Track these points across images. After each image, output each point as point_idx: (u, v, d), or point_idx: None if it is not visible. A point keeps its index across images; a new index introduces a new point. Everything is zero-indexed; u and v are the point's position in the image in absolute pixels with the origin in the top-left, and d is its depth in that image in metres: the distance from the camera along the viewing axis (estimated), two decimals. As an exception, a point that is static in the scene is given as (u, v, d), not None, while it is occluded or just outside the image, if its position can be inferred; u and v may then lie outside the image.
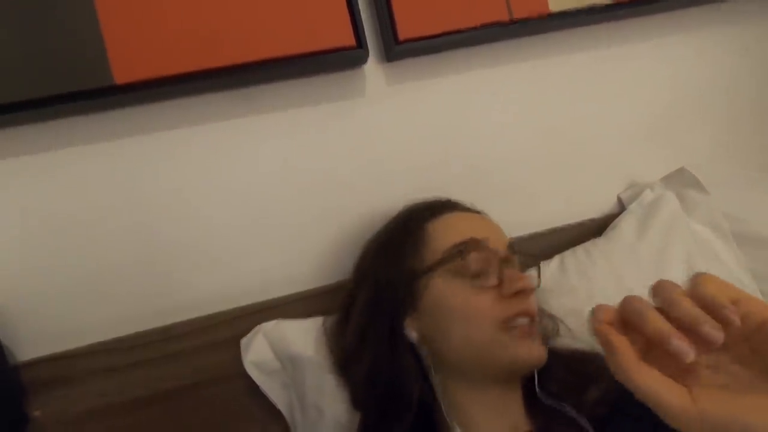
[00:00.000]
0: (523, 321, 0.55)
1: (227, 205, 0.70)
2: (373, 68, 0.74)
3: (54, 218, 0.66)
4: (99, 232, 0.67)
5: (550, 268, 0.72)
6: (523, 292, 0.55)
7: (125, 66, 0.64)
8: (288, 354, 0.65)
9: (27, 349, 0.66)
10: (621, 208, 0.81)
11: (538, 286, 0.59)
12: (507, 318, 0.55)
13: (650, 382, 0.30)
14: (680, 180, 0.78)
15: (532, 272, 0.61)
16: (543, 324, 0.62)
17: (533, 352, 0.54)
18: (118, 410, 0.65)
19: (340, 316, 0.64)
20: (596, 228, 0.79)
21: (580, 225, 0.79)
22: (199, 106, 0.69)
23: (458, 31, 0.72)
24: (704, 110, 0.83)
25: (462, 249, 0.57)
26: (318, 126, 0.73)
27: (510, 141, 0.78)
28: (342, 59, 0.70)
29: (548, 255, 0.76)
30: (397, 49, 0.71)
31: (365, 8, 0.72)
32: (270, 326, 0.67)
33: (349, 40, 0.68)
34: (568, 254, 0.74)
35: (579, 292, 0.67)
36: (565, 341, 0.63)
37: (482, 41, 0.75)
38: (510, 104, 0.78)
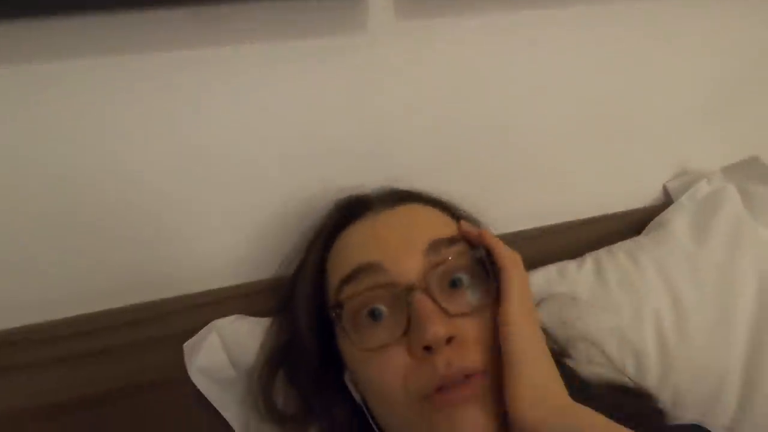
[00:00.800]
0: (444, 371, 0.38)
1: (180, 166, 0.54)
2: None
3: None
4: (21, 189, 0.51)
5: (583, 272, 0.58)
6: (439, 347, 0.38)
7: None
8: (246, 360, 0.52)
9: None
10: (666, 199, 0.68)
11: (489, 303, 0.42)
12: (418, 388, 0.39)
13: None
14: (747, 171, 0.64)
15: (467, 292, 0.42)
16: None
17: (463, 427, 0.37)
18: (32, 415, 0.52)
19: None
20: (636, 222, 0.66)
21: (616, 217, 0.66)
22: (146, 25, 0.51)
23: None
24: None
25: (339, 297, 0.43)
26: (304, 66, 0.56)
27: (542, 106, 0.63)
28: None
29: (578, 252, 0.62)
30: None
31: None
32: (226, 323, 0.53)
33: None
34: (604, 256, 0.60)
35: (623, 310, 0.53)
36: (599, 370, 0.50)
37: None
38: (547, 61, 0.62)
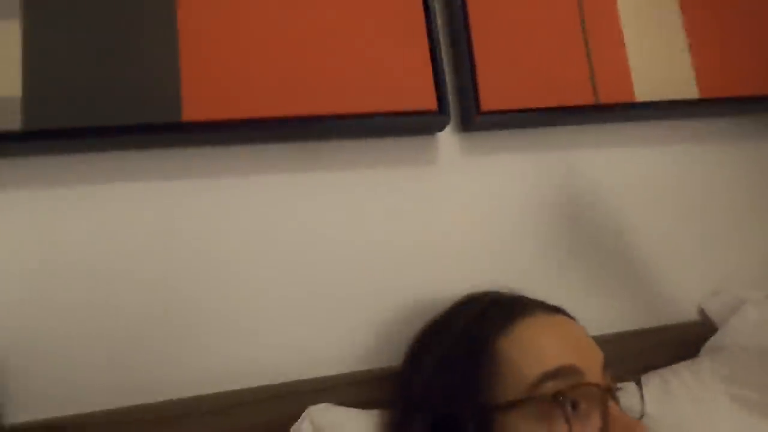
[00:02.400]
0: None
1: (273, 268, 0.62)
2: (448, 136, 0.69)
3: (72, 262, 0.57)
4: (119, 284, 0.58)
5: (650, 388, 0.61)
6: None
7: (197, 105, 0.58)
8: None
9: (20, 410, 0.55)
10: (702, 317, 0.73)
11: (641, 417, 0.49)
12: None
13: None
14: None
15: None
16: None
17: None
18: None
19: None
20: (671, 339, 0.70)
21: (651, 332, 0.70)
22: (263, 154, 0.63)
23: (541, 109, 0.68)
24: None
25: (559, 388, 0.45)
26: (385, 191, 0.67)
27: (587, 228, 0.72)
28: (421, 123, 0.66)
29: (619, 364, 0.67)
30: (478, 119, 0.67)
31: (447, 74, 0.69)
32: (319, 411, 0.55)
33: (431, 104, 0.64)
34: (669, 374, 0.63)
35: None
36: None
37: (565, 122, 0.71)
38: (582, 191, 0.73)
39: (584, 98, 0.70)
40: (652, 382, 0.63)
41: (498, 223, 0.70)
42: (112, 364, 0.58)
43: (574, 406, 0.45)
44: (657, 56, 0.73)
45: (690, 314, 0.73)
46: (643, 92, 0.72)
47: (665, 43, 0.74)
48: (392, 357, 0.62)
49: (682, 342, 0.70)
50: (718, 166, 0.77)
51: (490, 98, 0.67)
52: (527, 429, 0.46)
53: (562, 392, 0.45)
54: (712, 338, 0.68)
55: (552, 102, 0.69)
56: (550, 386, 0.46)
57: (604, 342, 0.60)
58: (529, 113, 0.68)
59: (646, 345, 0.69)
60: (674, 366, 0.66)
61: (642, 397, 0.51)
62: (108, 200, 0.59)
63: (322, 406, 0.56)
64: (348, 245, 0.65)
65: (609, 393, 0.47)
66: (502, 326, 0.50)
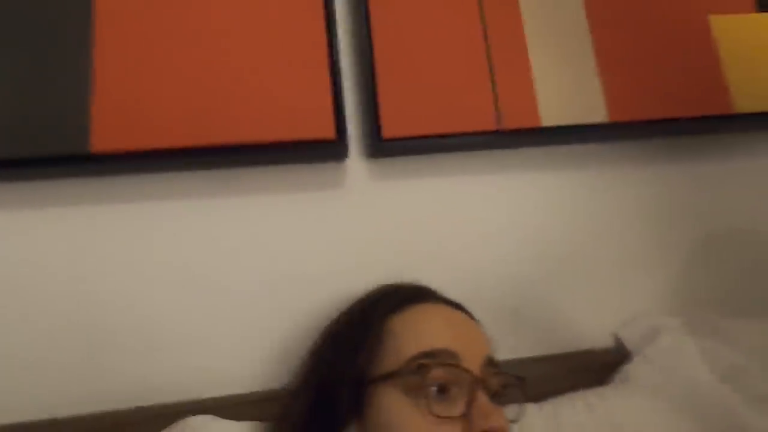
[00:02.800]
0: None
1: (181, 290, 0.66)
2: (356, 162, 0.73)
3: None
4: (37, 301, 0.63)
5: (542, 415, 0.62)
6: None
7: (105, 135, 0.64)
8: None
9: None
10: (617, 344, 0.72)
11: (515, 421, 0.51)
12: None
13: None
14: (701, 325, 0.68)
15: (512, 406, 0.51)
16: None
17: None
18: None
19: (278, 418, 0.56)
20: (583, 364, 0.70)
21: (561, 357, 0.70)
22: (172, 182, 0.68)
23: (445, 135, 0.71)
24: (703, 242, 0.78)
25: (424, 363, 0.48)
26: (292, 215, 0.70)
27: (498, 253, 0.74)
28: (321, 151, 0.69)
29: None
30: (381, 146, 0.70)
31: (352, 102, 0.72)
32: (198, 422, 0.58)
33: (329, 133, 0.68)
34: (565, 402, 0.64)
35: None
36: None
37: (470, 148, 0.74)
38: (498, 215, 0.74)
39: (487, 124, 0.72)
40: (558, 405, 0.64)
41: (404, 247, 0.72)
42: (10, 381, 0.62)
43: (443, 389, 0.47)
44: (565, 81, 0.75)
45: (605, 341, 0.72)
46: (550, 117, 0.74)
47: (574, 67, 0.76)
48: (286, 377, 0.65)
49: (594, 368, 0.70)
50: (629, 189, 0.77)
51: (392, 125, 0.70)
52: (394, 401, 0.48)
53: (426, 366, 0.48)
54: (625, 367, 0.68)
55: (455, 128, 0.71)
56: (421, 362, 0.48)
57: (511, 366, 0.61)
58: (433, 139, 0.71)
59: (556, 371, 0.69)
60: (580, 392, 0.66)
61: (523, 400, 0.52)
62: (23, 227, 0.65)
63: (200, 417, 0.59)
64: (254, 269, 0.68)
65: (481, 383, 0.48)
66: (395, 307, 0.54)
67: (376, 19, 0.73)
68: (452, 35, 0.74)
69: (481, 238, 0.73)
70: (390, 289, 0.58)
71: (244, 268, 0.68)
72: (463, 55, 0.73)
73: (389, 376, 0.49)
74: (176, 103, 0.66)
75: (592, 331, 0.73)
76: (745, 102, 0.77)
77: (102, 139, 0.63)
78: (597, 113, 0.75)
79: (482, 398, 0.48)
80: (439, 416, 0.46)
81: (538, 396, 0.66)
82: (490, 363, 0.51)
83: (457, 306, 0.57)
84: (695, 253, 0.77)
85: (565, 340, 0.72)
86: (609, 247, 0.75)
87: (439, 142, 0.71)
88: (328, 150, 0.69)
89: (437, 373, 0.48)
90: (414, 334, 0.51)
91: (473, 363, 0.49)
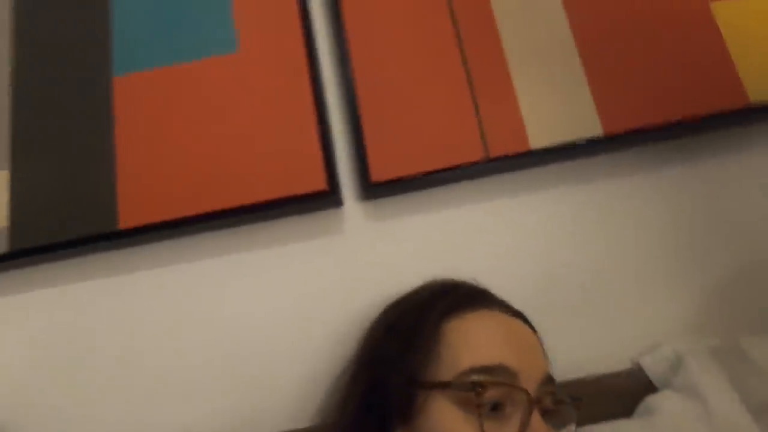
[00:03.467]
0: None
1: (207, 340, 0.74)
2: (352, 207, 0.77)
3: (50, 353, 0.74)
4: (84, 369, 0.73)
5: None
6: None
7: (131, 212, 0.73)
8: None
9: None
10: (637, 369, 0.69)
11: None
12: None
13: None
14: (728, 356, 0.63)
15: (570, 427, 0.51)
16: None
17: None
18: None
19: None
20: (606, 387, 0.67)
21: (585, 382, 0.68)
22: (190, 245, 0.76)
23: (433, 172, 0.73)
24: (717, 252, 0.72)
25: (480, 381, 0.46)
26: (299, 263, 0.75)
27: (503, 281, 0.73)
28: (317, 202, 0.74)
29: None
30: (372, 190, 0.74)
31: (343, 149, 0.77)
32: None
33: (322, 185, 0.72)
34: None
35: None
36: None
37: (459, 179, 0.75)
38: (500, 242, 0.74)
39: (475, 155, 0.73)
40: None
41: (408, 283, 0.74)
42: None
43: (497, 406, 0.46)
44: (554, 99, 0.74)
45: (624, 367, 0.69)
46: (539, 138, 0.73)
47: (561, 82, 0.74)
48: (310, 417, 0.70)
49: (613, 395, 0.67)
50: (639, 199, 0.74)
51: (381, 169, 0.73)
52: (445, 412, 0.47)
53: (482, 384, 0.46)
54: (649, 398, 0.65)
55: (442, 163, 0.73)
56: (476, 378, 0.47)
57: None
58: (422, 177, 0.73)
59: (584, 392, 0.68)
60: (604, 424, 0.63)
61: (575, 421, 0.51)
62: (67, 301, 0.76)
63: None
64: (269, 314, 0.74)
65: (537, 404, 0.47)
66: (454, 310, 0.52)
67: (359, 66, 0.76)
68: (432, 70, 0.76)
69: (485, 267, 0.73)
70: (447, 287, 0.57)
71: (259, 316, 0.74)
72: (444, 87, 0.75)
73: (442, 386, 0.48)
74: (186, 177, 0.74)
75: (609, 358, 0.69)
76: (760, 91, 0.71)
77: (128, 217, 0.73)
78: (591, 127, 0.73)
79: (537, 421, 0.46)
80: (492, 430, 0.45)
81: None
82: (548, 381, 0.50)
83: (516, 313, 0.55)
84: (722, 267, 0.71)
85: (581, 369, 0.70)
86: (623, 266, 0.72)
87: (428, 179, 0.73)
88: (323, 200, 0.73)
89: (492, 392, 0.46)
90: (470, 345, 0.49)
91: (531, 381, 0.48)
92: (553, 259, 0.73)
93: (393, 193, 0.75)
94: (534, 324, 0.58)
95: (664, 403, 0.62)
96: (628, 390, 0.66)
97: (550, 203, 0.75)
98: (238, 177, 0.73)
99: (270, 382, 0.71)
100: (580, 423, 0.63)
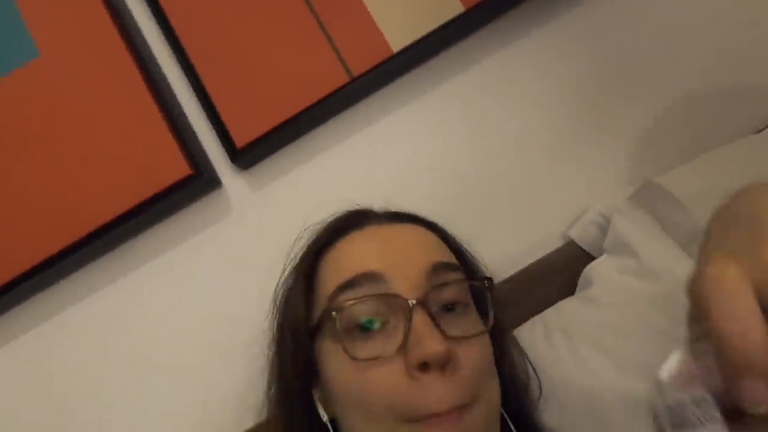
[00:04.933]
0: (440, 408, 0.37)
1: (129, 372, 0.68)
2: (232, 183, 0.69)
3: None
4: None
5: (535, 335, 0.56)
6: (437, 365, 0.37)
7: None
8: None
9: None
10: (570, 243, 0.65)
11: (486, 331, 0.42)
12: (408, 408, 0.37)
13: None
14: (647, 198, 0.58)
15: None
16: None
17: None
18: None
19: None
20: (546, 275, 0.63)
21: (525, 271, 0.64)
22: (76, 284, 0.68)
23: (301, 113, 0.65)
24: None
25: (340, 303, 0.40)
26: (198, 258, 0.68)
27: (407, 202, 0.68)
28: (192, 189, 0.66)
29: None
30: (243, 157, 0.66)
31: (207, 128, 0.68)
32: None
33: (186, 170, 0.64)
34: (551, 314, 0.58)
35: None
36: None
37: (326, 118, 0.68)
38: (388, 167, 0.68)
39: (338, 80, 0.65)
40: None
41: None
42: None
43: (378, 324, 0.40)
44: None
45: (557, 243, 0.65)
46: (399, 39, 0.65)
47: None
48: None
49: (555, 276, 0.63)
50: (517, 69, 0.68)
51: (243, 131, 0.65)
52: (329, 355, 0.42)
53: (339, 306, 0.40)
54: (586, 269, 0.60)
55: (308, 101, 0.65)
56: (345, 298, 0.41)
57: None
58: (288, 126, 0.65)
59: (519, 289, 0.64)
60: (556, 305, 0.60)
61: (489, 308, 0.43)
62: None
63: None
64: (181, 323, 0.67)
65: (419, 305, 0.39)
66: (328, 243, 0.47)
67: (185, 35, 0.67)
68: (266, 13, 0.67)
69: (383, 194, 0.68)
70: (330, 223, 0.50)
71: (173, 329, 0.67)
72: (285, 27, 0.67)
73: (317, 328, 0.43)
74: (31, 213, 0.64)
75: (543, 242, 0.65)
76: None
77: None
78: (450, 7, 0.65)
79: (420, 324, 0.39)
80: (358, 359, 0.39)
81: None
82: (441, 270, 0.42)
83: (403, 218, 0.48)
84: (628, 117, 0.66)
85: (518, 263, 0.66)
86: (529, 144, 0.67)
87: (297, 126, 0.66)
88: (197, 185, 0.65)
89: (358, 309, 0.40)
90: (335, 269, 0.43)
91: (408, 279, 0.41)
92: (456, 161, 0.68)
93: (268, 153, 0.68)
94: (455, 232, 0.52)
95: (599, 270, 0.58)
96: (567, 267, 0.62)
97: (432, 107, 0.68)
98: (94, 194, 0.65)
99: (207, 392, 0.65)
100: (529, 314, 0.61)
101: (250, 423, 0.59)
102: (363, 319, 0.40)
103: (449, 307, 0.42)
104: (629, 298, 0.54)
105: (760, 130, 0.61)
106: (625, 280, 0.55)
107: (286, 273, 0.52)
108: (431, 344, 0.37)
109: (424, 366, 0.38)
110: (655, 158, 0.66)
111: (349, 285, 0.41)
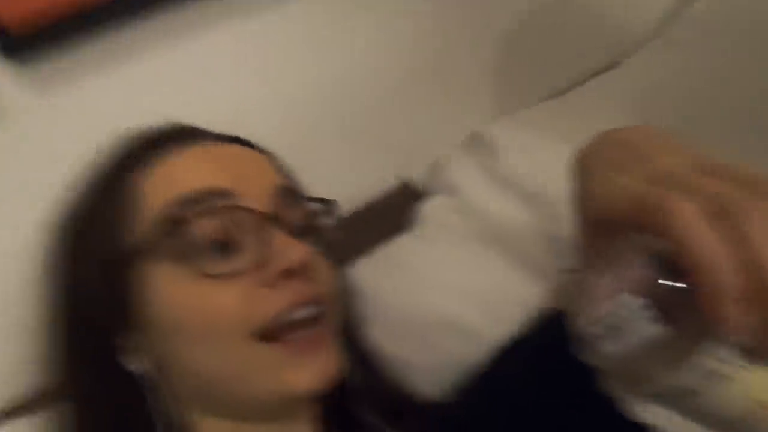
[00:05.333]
0: (299, 314, 0.36)
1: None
2: (4, 79, 0.52)
3: None
4: None
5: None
6: (298, 272, 0.36)
7: None
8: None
9: None
10: (406, 185, 0.66)
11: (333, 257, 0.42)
12: (267, 319, 0.36)
13: None
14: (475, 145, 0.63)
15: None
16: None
17: (313, 374, 0.36)
18: None
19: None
20: (381, 215, 0.64)
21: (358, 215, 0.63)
22: None
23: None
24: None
25: (181, 213, 0.36)
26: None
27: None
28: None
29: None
30: (20, 47, 0.50)
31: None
32: None
33: None
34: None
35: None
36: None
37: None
38: (212, 83, 0.58)
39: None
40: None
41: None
42: None
43: (223, 242, 0.37)
44: None
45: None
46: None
47: None
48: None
49: (390, 215, 0.64)
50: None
51: (17, 12, 0.49)
52: (162, 279, 0.37)
53: (182, 218, 0.36)
54: (416, 208, 0.63)
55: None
56: (190, 213, 0.37)
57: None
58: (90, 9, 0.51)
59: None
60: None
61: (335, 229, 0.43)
62: None
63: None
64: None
65: (273, 220, 0.38)
66: (142, 160, 0.40)
67: None
68: None
69: (214, 115, 0.59)
70: (138, 138, 0.43)
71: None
72: None
73: (143, 247, 0.37)
74: None
75: (382, 181, 0.65)
76: None
77: None
78: None
79: (279, 235, 0.37)
80: (212, 275, 0.36)
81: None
82: (286, 193, 0.41)
83: (235, 140, 0.44)
84: (467, 56, 0.68)
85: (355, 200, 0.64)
86: (370, 85, 0.64)
87: (103, 11, 0.52)
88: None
89: (203, 224, 0.36)
90: (166, 183, 0.39)
91: (260, 198, 0.39)
92: (293, 89, 0.61)
93: (58, 46, 0.53)
94: (292, 166, 0.47)
95: (426, 208, 0.62)
96: (402, 207, 0.64)
97: (275, 24, 0.60)
98: None
99: None
100: (362, 252, 0.60)
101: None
102: (214, 234, 0.36)
103: (299, 233, 0.40)
104: (453, 234, 0.58)
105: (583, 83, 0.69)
106: (451, 217, 0.59)
107: (77, 193, 0.43)
108: (295, 251, 0.36)
109: (287, 273, 0.36)
110: (486, 108, 0.69)
111: (192, 200, 0.37)
